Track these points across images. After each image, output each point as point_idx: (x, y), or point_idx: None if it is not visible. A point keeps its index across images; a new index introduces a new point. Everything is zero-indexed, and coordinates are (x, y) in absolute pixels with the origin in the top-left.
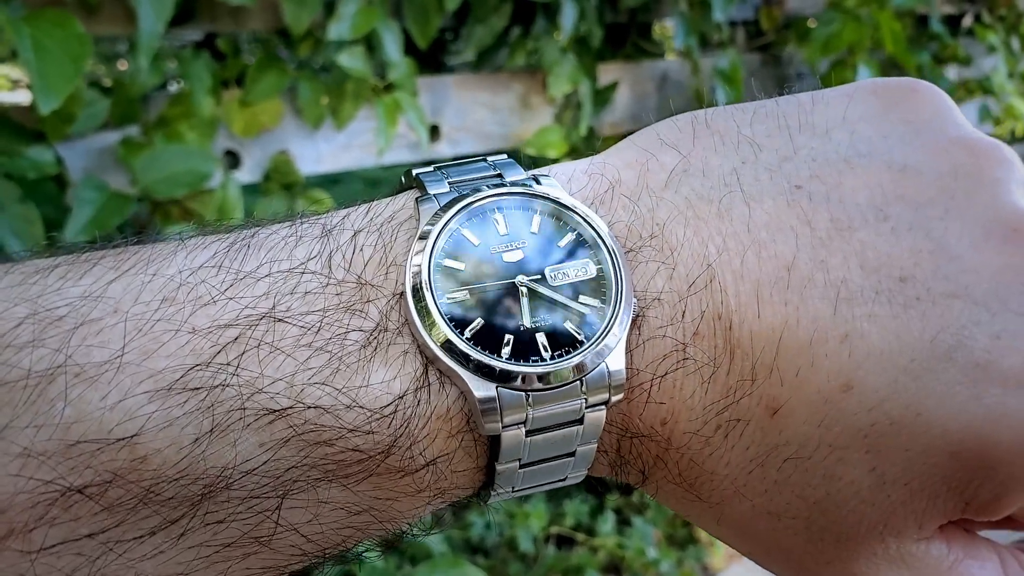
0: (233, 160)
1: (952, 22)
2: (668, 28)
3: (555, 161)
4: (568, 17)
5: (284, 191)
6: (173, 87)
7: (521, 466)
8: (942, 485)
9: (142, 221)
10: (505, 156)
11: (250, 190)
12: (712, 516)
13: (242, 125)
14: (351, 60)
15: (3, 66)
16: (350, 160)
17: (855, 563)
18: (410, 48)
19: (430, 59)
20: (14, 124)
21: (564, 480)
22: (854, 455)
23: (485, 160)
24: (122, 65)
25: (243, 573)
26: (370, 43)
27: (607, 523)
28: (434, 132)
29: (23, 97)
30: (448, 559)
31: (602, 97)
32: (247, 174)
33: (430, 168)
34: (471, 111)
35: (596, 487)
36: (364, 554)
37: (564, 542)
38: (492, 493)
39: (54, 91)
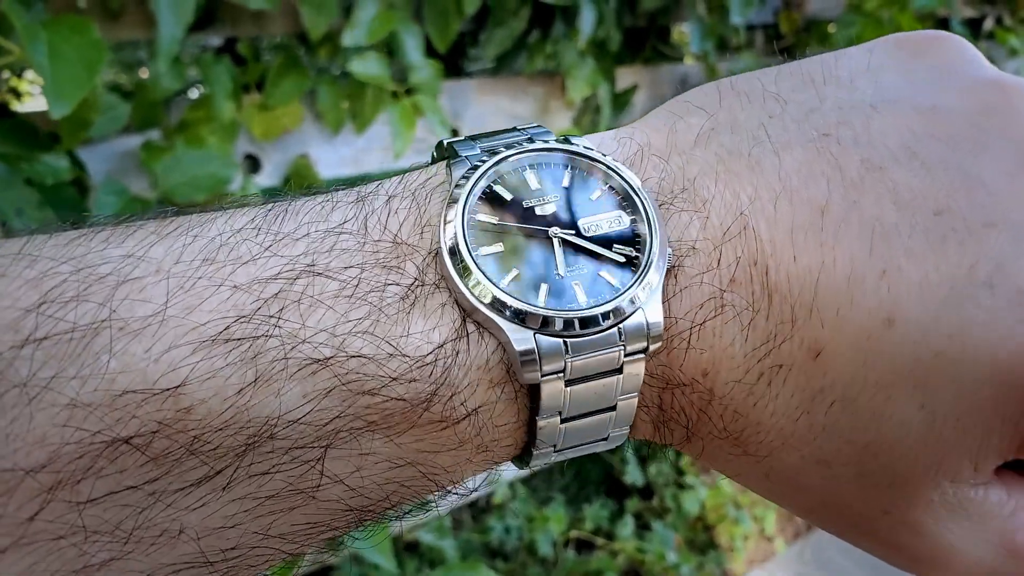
0: (253, 164)
1: (973, 25)
2: (686, 32)
3: None
4: (586, 21)
5: None
6: (194, 93)
7: (562, 420)
8: (995, 418)
9: None
10: (536, 124)
11: (270, 194)
12: (761, 471)
13: (262, 129)
14: (363, 66)
15: (28, 72)
16: (370, 164)
17: (913, 510)
18: (429, 53)
19: (449, 64)
20: (33, 129)
21: (606, 439)
22: (901, 392)
23: (516, 128)
24: (144, 72)
25: (288, 528)
26: (390, 47)
27: (627, 527)
28: (454, 136)
29: (43, 103)
30: (465, 564)
31: (621, 101)
32: (267, 178)
33: (462, 138)
34: (491, 115)
35: (616, 490)
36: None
37: (584, 546)
38: (534, 452)
39: (66, 97)
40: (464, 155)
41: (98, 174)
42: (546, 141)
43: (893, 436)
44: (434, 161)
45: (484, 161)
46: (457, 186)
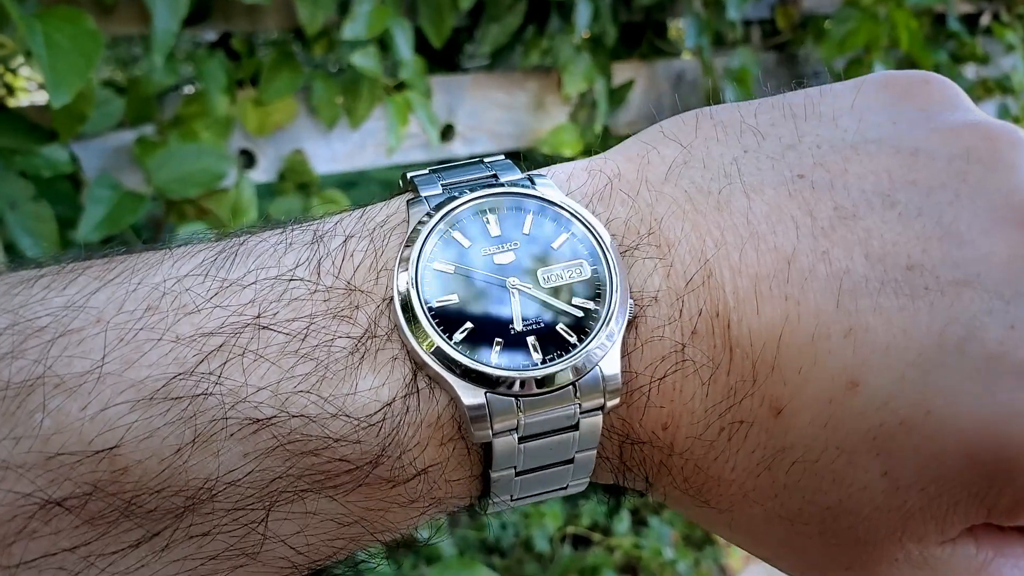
0: (248, 159)
1: (970, 20)
2: (683, 28)
3: (571, 159)
4: (582, 16)
5: (299, 191)
6: (188, 88)
7: (517, 474)
8: (961, 491)
9: (158, 220)
10: (502, 157)
11: (265, 190)
12: (723, 521)
13: (257, 124)
14: (364, 60)
15: (24, 68)
16: (365, 160)
17: (876, 567)
18: (426, 49)
19: (445, 60)
20: (29, 123)
21: (565, 488)
22: (863, 458)
23: (481, 161)
24: (138, 70)
25: None
26: (383, 42)
27: (623, 523)
28: (449, 131)
29: (39, 97)
30: (462, 561)
31: (617, 96)
32: (262, 173)
33: (425, 171)
34: (486, 110)
35: (612, 487)
36: (366, 562)
37: (580, 542)
38: (490, 502)
39: (66, 86)
40: (424, 195)
41: (91, 170)
42: (512, 180)
43: (855, 501)
44: (399, 191)
45: (443, 204)
46: (414, 230)
